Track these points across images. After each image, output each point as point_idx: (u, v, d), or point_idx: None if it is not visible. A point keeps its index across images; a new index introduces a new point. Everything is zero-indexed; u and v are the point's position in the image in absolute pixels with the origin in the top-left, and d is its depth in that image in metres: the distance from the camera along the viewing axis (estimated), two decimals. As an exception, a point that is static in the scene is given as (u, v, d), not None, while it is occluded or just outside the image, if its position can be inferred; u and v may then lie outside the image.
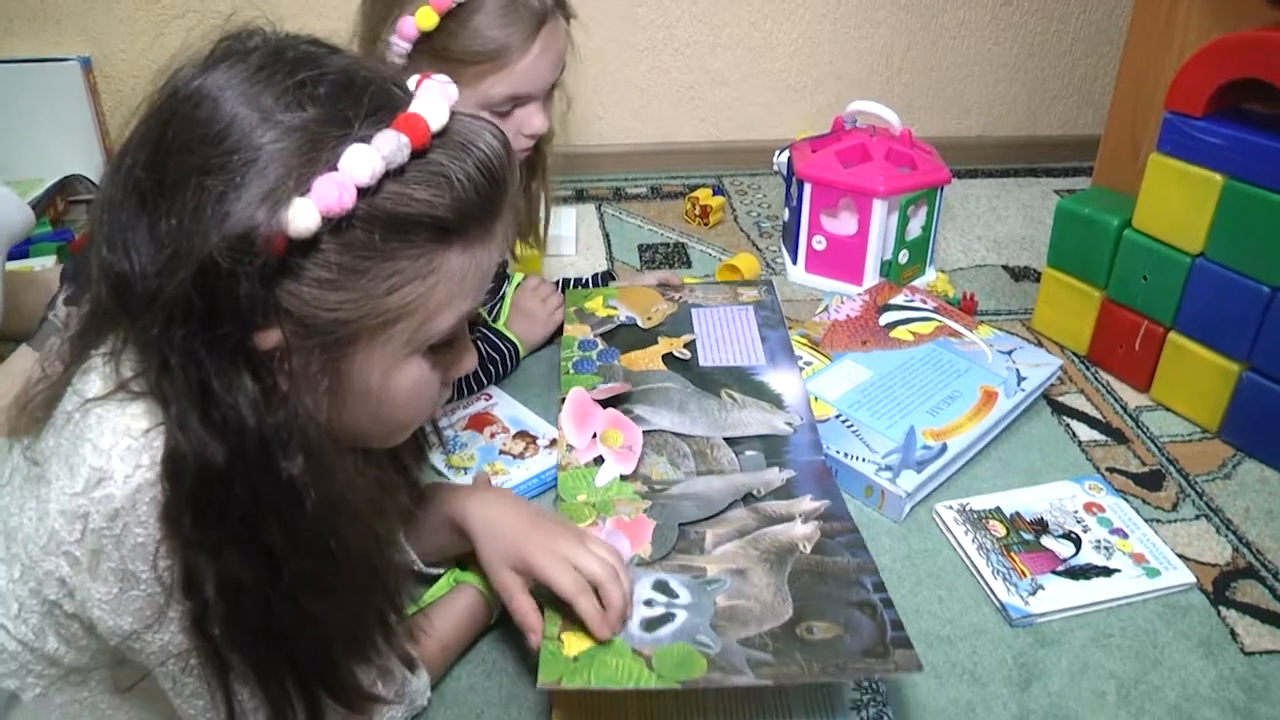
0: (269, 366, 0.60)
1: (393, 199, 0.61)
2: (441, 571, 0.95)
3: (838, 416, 1.18)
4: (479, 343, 1.19)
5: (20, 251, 1.29)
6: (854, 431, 1.16)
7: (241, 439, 0.60)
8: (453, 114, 0.64)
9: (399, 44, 1.05)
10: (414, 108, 0.62)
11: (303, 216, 0.57)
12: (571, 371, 1.18)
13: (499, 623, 0.95)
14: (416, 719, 0.85)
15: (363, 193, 0.59)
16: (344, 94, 0.61)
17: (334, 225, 0.59)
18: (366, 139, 0.59)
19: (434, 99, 0.63)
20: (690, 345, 1.23)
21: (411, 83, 0.66)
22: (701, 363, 1.19)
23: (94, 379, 0.64)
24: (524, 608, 0.84)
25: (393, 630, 0.75)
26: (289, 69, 0.60)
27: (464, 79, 1.06)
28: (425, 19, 1.05)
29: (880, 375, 1.25)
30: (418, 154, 0.61)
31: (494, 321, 1.34)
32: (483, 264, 0.68)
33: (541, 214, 1.37)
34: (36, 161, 1.59)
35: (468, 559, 0.93)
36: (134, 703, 0.74)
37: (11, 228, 1.26)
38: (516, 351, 1.31)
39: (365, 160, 0.58)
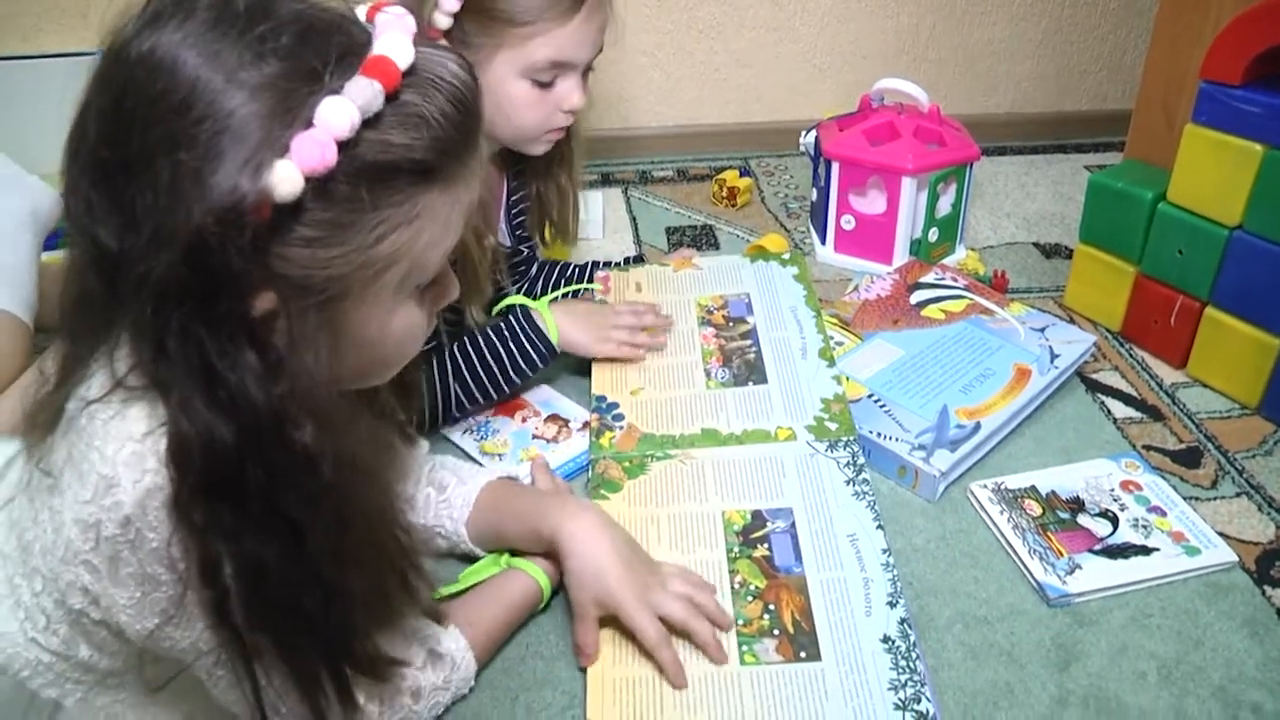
0: (267, 335, 0.59)
1: (372, 148, 0.59)
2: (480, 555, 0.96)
3: (870, 396, 1.17)
4: (510, 342, 1.16)
5: (50, 243, 1.30)
6: (886, 411, 1.15)
7: (251, 414, 0.58)
8: (416, 48, 0.61)
9: (448, 2, 1.04)
10: (379, 49, 0.59)
11: (286, 180, 0.55)
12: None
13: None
14: (455, 704, 0.85)
15: (342, 146, 0.57)
16: (306, 43, 0.58)
17: (317, 183, 0.57)
18: (338, 90, 0.57)
19: (396, 37, 0.60)
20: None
21: (361, 12, 0.64)
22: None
23: (93, 380, 0.63)
24: (590, 639, 0.87)
25: (414, 586, 0.74)
26: (245, 21, 0.57)
27: (509, 40, 1.06)
28: None
29: (912, 354, 1.24)
30: (390, 97, 0.59)
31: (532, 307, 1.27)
32: (462, 199, 0.66)
33: (571, 209, 1.35)
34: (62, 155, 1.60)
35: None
36: (173, 698, 0.75)
37: (46, 217, 1.27)
38: (551, 350, 1.19)
39: (341, 113, 0.56)
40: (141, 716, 0.74)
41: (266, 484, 0.60)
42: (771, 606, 0.90)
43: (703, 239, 1.68)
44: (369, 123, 0.58)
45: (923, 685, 0.83)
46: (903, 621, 0.88)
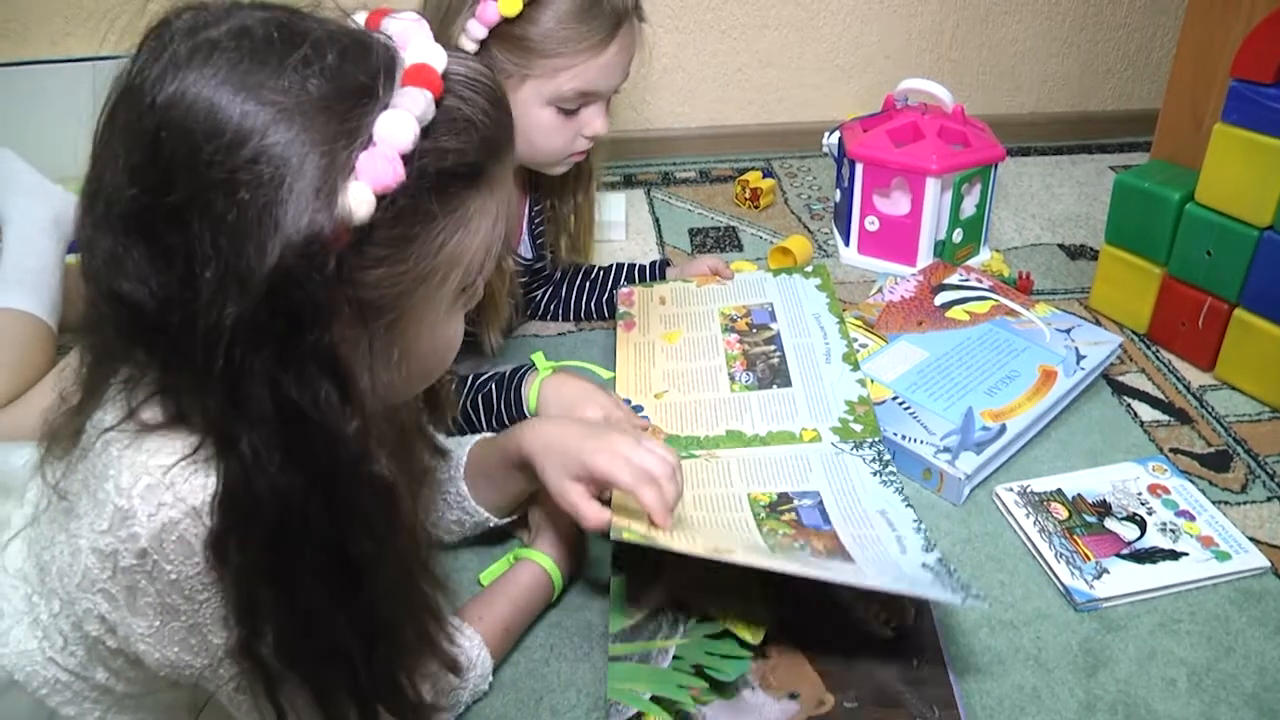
0: (344, 365, 0.57)
1: (428, 157, 0.58)
2: (507, 520, 0.97)
3: (894, 398, 1.16)
4: (496, 402, 1.11)
5: (73, 246, 1.32)
6: (911, 413, 1.14)
7: (332, 455, 0.56)
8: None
9: (476, 27, 1.03)
10: (414, 57, 0.59)
11: (361, 201, 0.54)
12: None
13: (558, 604, 0.95)
14: (476, 703, 0.85)
15: (407, 160, 0.56)
16: (348, 60, 0.56)
17: (385, 200, 0.56)
18: (393, 104, 0.56)
19: (426, 42, 0.60)
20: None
21: (360, 20, 0.62)
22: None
23: (109, 406, 0.62)
24: (592, 511, 0.84)
25: (440, 613, 0.73)
26: (280, 48, 0.55)
27: (538, 69, 1.06)
28: (509, 5, 1.02)
29: (937, 356, 1.23)
30: (436, 104, 0.58)
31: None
32: (503, 196, 0.66)
33: (585, 225, 1.35)
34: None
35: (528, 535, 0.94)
36: (193, 701, 0.74)
37: (69, 222, 1.28)
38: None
39: (403, 126, 0.55)
40: None
41: (335, 527, 0.58)
42: (801, 542, 0.90)
43: (726, 240, 1.68)
44: (423, 132, 0.57)
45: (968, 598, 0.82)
46: (940, 560, 0.87)
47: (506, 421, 1.10)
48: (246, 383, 0.54)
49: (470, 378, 1.13)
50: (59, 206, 1.27)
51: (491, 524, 0.96)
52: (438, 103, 0.58)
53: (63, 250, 1.25)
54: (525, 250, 1.31)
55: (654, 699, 0.79)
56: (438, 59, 0.59)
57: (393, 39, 0.60)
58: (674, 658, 0.84)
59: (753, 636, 0.86)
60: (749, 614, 0.87)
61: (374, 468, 0.59)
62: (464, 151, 0.60)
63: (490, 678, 0.85)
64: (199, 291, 0.53)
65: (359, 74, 0.56)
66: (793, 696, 0.82)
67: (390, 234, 0.58)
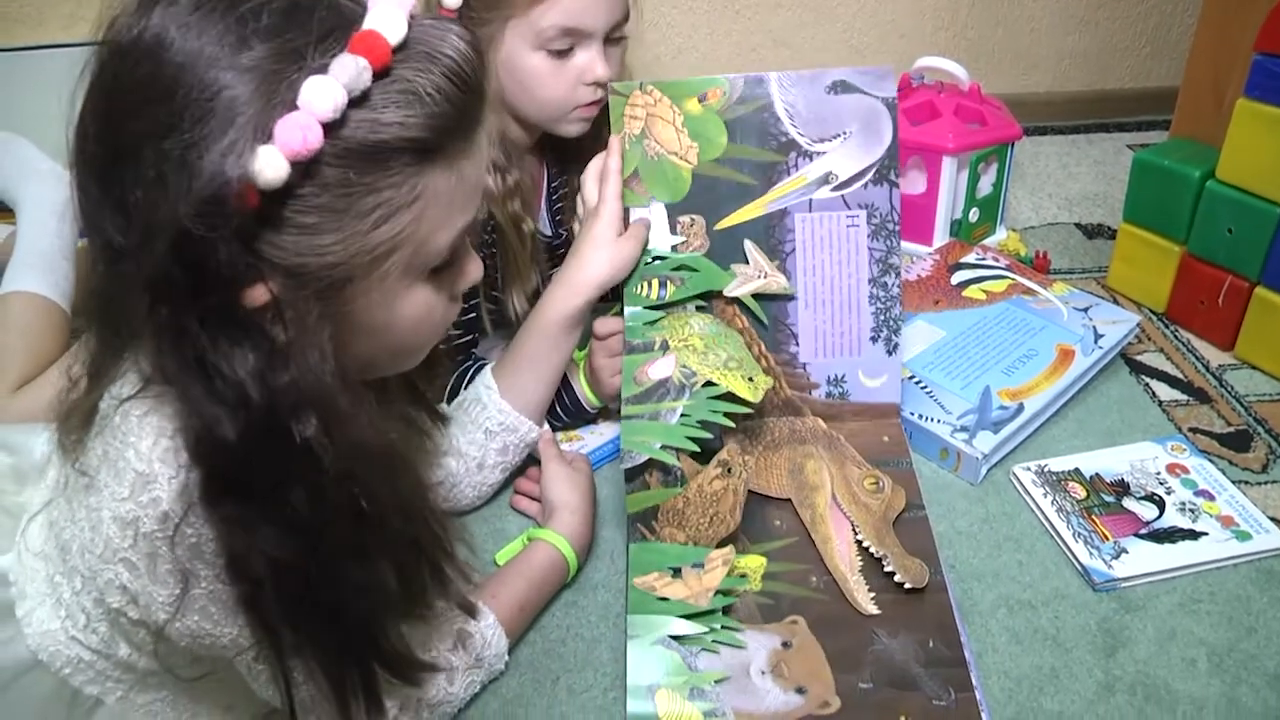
0: (264, 327, 0.57)
1: (362, 128, 0.56)
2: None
3: (911, 378, 1.15)
4: (562, 393, 1.10)
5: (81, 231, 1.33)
6: (928, 393, 1.13)
7: (249, 411, 0.56)
8: (412, 21, 0.59)
9: None
10: (368, 23, 0.57)
11: (270, 165, 0.53)
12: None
13: (574, 585, 0.95)
14: (493, 683, 0.85)
15: (328, 128, 0.54)
16: (290, 22, 0.56)
17: (304, 168, 0.55)
18: (323, 69, 0.54)
19: (389, 9, 0.57)
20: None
21: None
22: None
23: (126, 377, 0.62)
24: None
25: (447, 577, 0.72)
26: (227, 3, 0.55)
27: (515, 10, 1.03)
28: None
29: (954, 335, 1.22)
30: (380, 74, 0.56)
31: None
32: (469, 177, 0.64)
33: None
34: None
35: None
36: (214, 696, 0.75)
37: None
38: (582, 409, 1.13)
39: (325, 93, 0.54)
40: (181, 715, 0.75)
41: (274, 479, 0.59)
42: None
43: (739, 221, 1.66)
44: (357, 101, 0.56)
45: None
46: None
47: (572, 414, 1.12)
48: (166, 333, 0.56)
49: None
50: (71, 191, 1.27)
51: (533, 438, 1.01)
52: (383, 73, 0.57)
53: (75, 234, 1.26)
54: (544, 227, 1.27)
55: (663, 448, 0.91)
56: (393, 28, 0.57)
57: (363, 6, 0.58)
58: (681, 415, 0.93)
59: (752, 395, 0.94)
60: (749, 376, 0.96)
61: (297, 428, 0.58)
62: (405, 125, 0.58)
63: (506, 657, 0.85)
64: (132, 238, 0.55)
65: (297, 37, 0.55)
66: (800, 691, 0.82)
67: (313, 203, 0.56)
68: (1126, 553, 0.97)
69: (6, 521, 0.73)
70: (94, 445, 0.63)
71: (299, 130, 0.53)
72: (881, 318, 1.05)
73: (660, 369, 0.96)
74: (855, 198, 1.03)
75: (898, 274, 1.04)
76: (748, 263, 1.03)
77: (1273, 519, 1.01)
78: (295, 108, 0.54)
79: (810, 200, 1.03)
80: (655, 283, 1.01)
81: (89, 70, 0.58)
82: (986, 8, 1.95)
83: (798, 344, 1.05)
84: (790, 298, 1.04)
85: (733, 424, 0.94)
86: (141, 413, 0.60)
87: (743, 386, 0.94)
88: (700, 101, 1.04)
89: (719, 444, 0.96)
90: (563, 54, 1.07)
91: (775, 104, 1.04)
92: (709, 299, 1.02)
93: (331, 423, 0.59)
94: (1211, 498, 1.04)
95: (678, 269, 1.01)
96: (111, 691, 0.71)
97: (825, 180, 1.03)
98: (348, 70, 0.54)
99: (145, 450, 0.59)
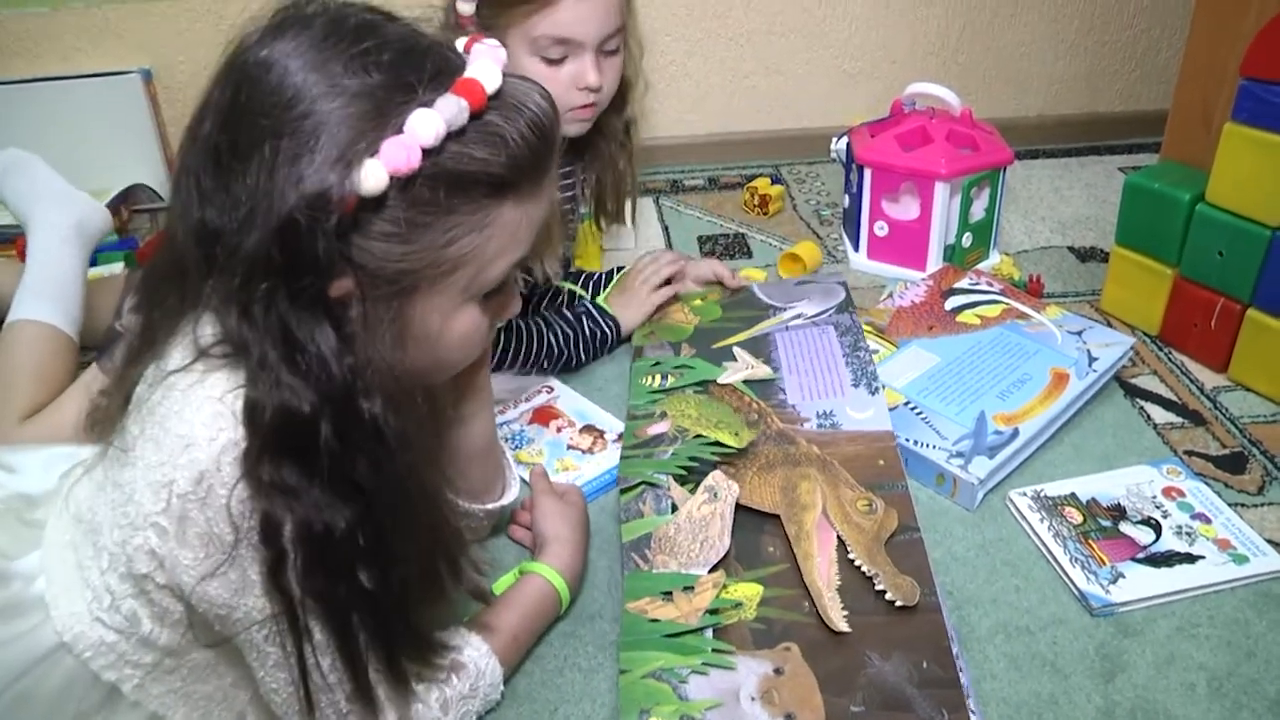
0: (343, 315, 0.65)
1: (453, 158, 0.65)
2: None
3: (906, 404, 1.16)
4: (583, 319, 1.27)
5: (93, 259, 1.33)
6: (923, 419, 1.14)
7: (326, 382, 0.64)
8: (504, 77, 0.68)
9: None
10: (470, 72, 0.66)
11: (373, 177, 0.62)
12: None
13: (569, 616, 0.95)
14: (490, 714, 0.85)
15: (427, 153, 0.63)
16: (405, 61, 0.65)
17: (401, 184, 0.63)
18: (429, 103, 0.64)
19: (487, 63, 0.67)
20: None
21: (460, 44, 0.71)
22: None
23: (172, 354, 0.68)
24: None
25: (460, 568, 0.78)
26: (352, 37, 0.65)
27: (516, 19, 1.11)
28: None
29: (948, 360, 1.22)
30: (475, 115, 0.66)
31: (596, 297, 1.38)
32: (533, 216, 0.73)
33: (625, 191, 1.39)
34: (101, 172, 1.62)
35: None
36: (225, 690, 0.78)
37: (94, 231, 1.30)
38: (618, 329, 1.32)
39: (429, 123, 0.63)
40: (191, 711, 0.77)
41: (338, 449, 0.65)
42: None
43: (735, 247, 1.67)
44: (454, 136, 0.65)
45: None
46: None
47: (603, 335, 1.31)
48: (255, 305, 0.63)
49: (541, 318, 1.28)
50: (82, 212, 1.29)
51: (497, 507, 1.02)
52: (478, 115, 0.66)
53: (85, 260, 1.26)
54: None
55: (655, 474, 1.00)
56: (490, 79, 0.66)
57: (465, 56, 0.69)
58: (672, 454, 1.03)
59: (737, 444, 1.04)
60: (735, 432, 1.06)
61: (367, 405, 0.65)
62: (489, 162, 0.67)
63: (502, 687, 0.85)
64: (237, 219, 0.63)
65: (409, 74, 0.65)
66: (788, 718, 0.81)
67: (402, 215, 0.65)
68: (1124, 577, 0.97)
69: (26, 532, 0.78)
70: (129, 426, 0.70)
71: (403, 150, 0.62)
72: (859, 373, 1.15)
73: (658, 428, 1.08)
74: (822, 321, 1.27)
75: (868, 351, 1.19)
76: (736, 360, 1.20)
77: (1270, 541, 1.01)
78: (401, 131, 0.63)
79: (786, 326, 1.27)
80: (658, 376, 1.18)
81: (216, 76, 0.67)
82: (977, 33, 1.96)
83: (785, 394, 1.13)
84: (775, 380, 1.17)
85: (719, 459, 1.02)
86: (189, 384, 0.66)
87: (729, 438, 1.05)
88: (702, 300, 1.36)
89: (707, 471, 1.01)
90: (557, 61, 1.15)
91: (757, 292, 1.36)
92: (705, 386, 1.16)
93: (392, 405, 0.67)
94: (1208, 521, 1.04)
95: (677, 368, 1.19)
96: (129, 679, 0.73)
97: (796, 316, 1.28)
98: (450, 108, 0.64)
99: (189, 415, 0.65)
